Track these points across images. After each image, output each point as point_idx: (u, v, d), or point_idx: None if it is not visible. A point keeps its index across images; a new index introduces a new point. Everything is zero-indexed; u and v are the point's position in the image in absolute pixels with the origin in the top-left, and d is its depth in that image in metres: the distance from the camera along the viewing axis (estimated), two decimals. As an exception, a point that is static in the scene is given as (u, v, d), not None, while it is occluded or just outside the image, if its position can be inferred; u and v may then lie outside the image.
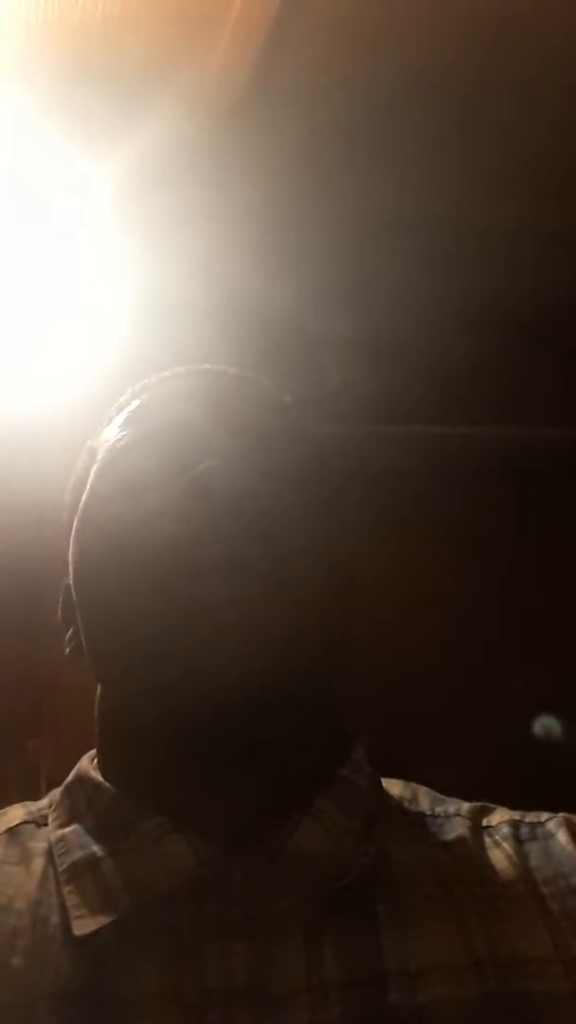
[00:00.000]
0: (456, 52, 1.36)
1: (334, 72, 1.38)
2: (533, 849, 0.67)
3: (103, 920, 0.61)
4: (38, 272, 1.53)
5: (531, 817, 0.70)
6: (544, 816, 0.70)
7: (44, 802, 0.71)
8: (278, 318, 1.71)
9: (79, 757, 0.72)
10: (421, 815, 0.69)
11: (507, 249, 1.75)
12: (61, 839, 0.66)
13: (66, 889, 0.63)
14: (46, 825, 0.68)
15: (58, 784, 0.72)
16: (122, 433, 0.70)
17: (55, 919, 0.63)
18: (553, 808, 0.71)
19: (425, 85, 1.41)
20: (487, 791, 0.75)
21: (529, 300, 1.80)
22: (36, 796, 0.74)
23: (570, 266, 1.78)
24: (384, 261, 1.75)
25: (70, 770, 0.72)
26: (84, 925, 0.61)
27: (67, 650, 0.72)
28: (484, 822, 0.69)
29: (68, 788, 0.70)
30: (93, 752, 0.71)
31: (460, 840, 0.67)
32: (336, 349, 1.82)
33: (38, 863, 0.66)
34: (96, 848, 0.64)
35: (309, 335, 1.79)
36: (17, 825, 0.69)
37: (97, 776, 0.68)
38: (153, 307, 1.59)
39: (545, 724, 1.77)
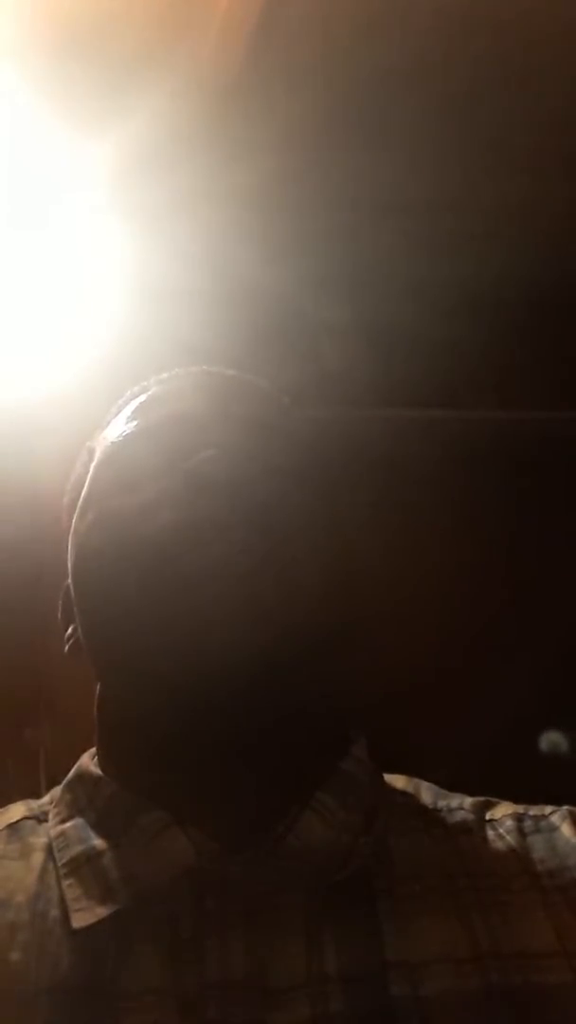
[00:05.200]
0: (455, 29, 1.34)
1: (330, 52, 1.37)
2: (537, 842, 0.67)
3: (102, 913, 0.61)
4: (32, 257, 1.52)
5: (535, 810, 0.69)
6: (548, 809, 0.69)
7: (45, 799, 0.72)
8: (275, 302, 1.71)
9: (78, 746, 0.73)
10: (423, 808, 0.69)
11: (507, 230, 1.74)
12: (61, 834, 0.66)
13: (65, 883, 0.63)
14: (47, 821, 0.69)
15: (57, 773, 0.72)
16: (120, 430, 0.70)
17: (54, 913, 0.63)
18: (552, 799, 0.71)
19: (423, 64, 1.40)
20: (484, 779, 0.74)
21: (529, 282, 1.80)
22: (35, 785, 0.74)
23: (570, 247, 1.77)
24: (383, 243, 1.74)
25: (69, 759, 0.73)
26: (83, 918, 0.61)
27: (66, 648, 0.72)
28: (488, 816, 0.69)
29: (69, 784, 0.70)
30: (94, 750, 0.71)
31: (463, 833, 0.67)
32: (334, 333, 1.82)
33: (38, 858, 0.66)
34: (96, 842, 0.64)
35: (307, 319, 1.79)
36: (18, 821, 0.69)
37: (97, 772, 0.69)
38: (148, 292, 1.58)
39: (551, 739, 1.77)
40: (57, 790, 0.71)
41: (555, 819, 0.68)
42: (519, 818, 0.68)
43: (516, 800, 0.71)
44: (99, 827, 0.65)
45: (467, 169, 1.61)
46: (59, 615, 0.74)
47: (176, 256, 1.56)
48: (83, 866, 0.63)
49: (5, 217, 1.46)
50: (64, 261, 1.54)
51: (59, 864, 0.65)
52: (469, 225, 1.73)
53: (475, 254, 1.78)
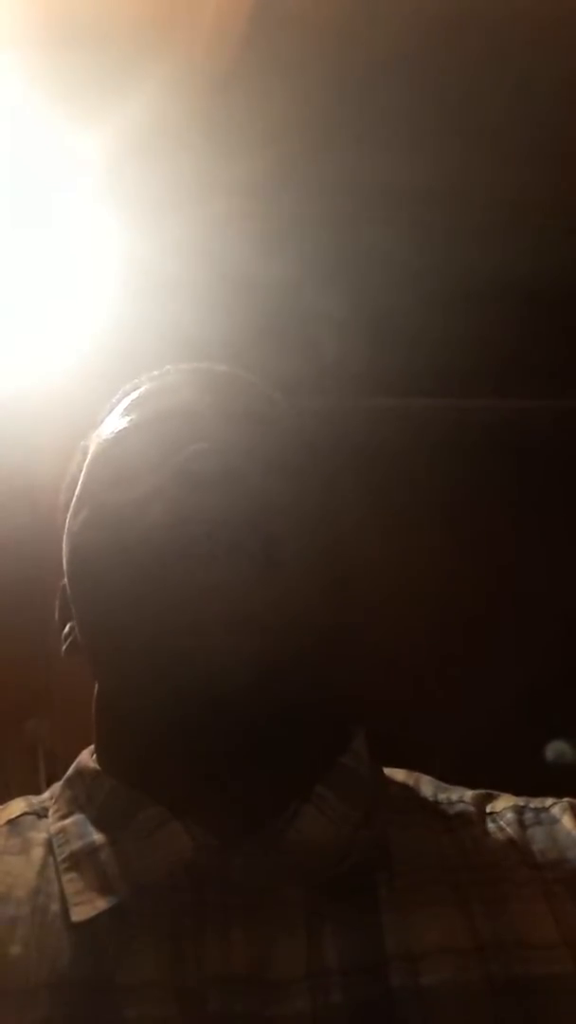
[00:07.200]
0: (448, 21, 1.34)
1: (324, 42, 1.36)
2: (537, 834, 0.67)
3: (102, 906, 0.61)
4: (27, 250, 1.52)
5: (535, 803, 0.69)
6: (548, 801, 0.69)
7: (45, 795, 0.72)
8: (272, 293, 1.70)
9: (77, 738, 0.72)
10: (424, 802, 0.69)
11: (503, 221, 1.74)
12: (61, 830, 0.66)
13: (65, 877, 0.63)
14: (47, 817, 0.69)
15: (56, 769, 0.72)
16: (112, 427, 0.70)
17: (54, 907, 0.63)
18: (552, 791, 0.71)
19: (416, 55, 1.39)
20: (483, 772, 0.74)
21: (525, 272, 1.79)
22: (34, 777, 0.74)
23: (567, 237, 1.76)
24: (379, 234, 1.74)
25: (68, 751, 0.73)
26: (83, 911, 0.61)
27: (64, 647, 0.73)
28: (488, 808, 0.69)
29: (69, 781, 0.70)
30: (93, 746, 0.71)
31: (463, 826, 0.67)
32: (330, 322, 1.82)
33: (38, 853, 0.66)
34: (96, 838, 0.64)
35: (303, 308, 1.78)
36: (18, 817, 0.69)
37: (96, 768, 0.69)
38: (145, 283, 1.58)
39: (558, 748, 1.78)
40: (57, 786, 0.71)
41: (556, 811, 0.68)
42: (520, 810, 0.68)
43: (516, 792, 0.71)
44: (99, 823, 0.65)
45: (462, 160, 1.61)
46: (56, 614, 0.74)
47: (172, 247, 1.56)
48: (83, 861, 0.64)
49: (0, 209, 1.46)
50: (60, 253, 1.54)
51: (59, 859, 0.65)
52: (465, 216, 1.73)
53: (471, 245, 1.78)
